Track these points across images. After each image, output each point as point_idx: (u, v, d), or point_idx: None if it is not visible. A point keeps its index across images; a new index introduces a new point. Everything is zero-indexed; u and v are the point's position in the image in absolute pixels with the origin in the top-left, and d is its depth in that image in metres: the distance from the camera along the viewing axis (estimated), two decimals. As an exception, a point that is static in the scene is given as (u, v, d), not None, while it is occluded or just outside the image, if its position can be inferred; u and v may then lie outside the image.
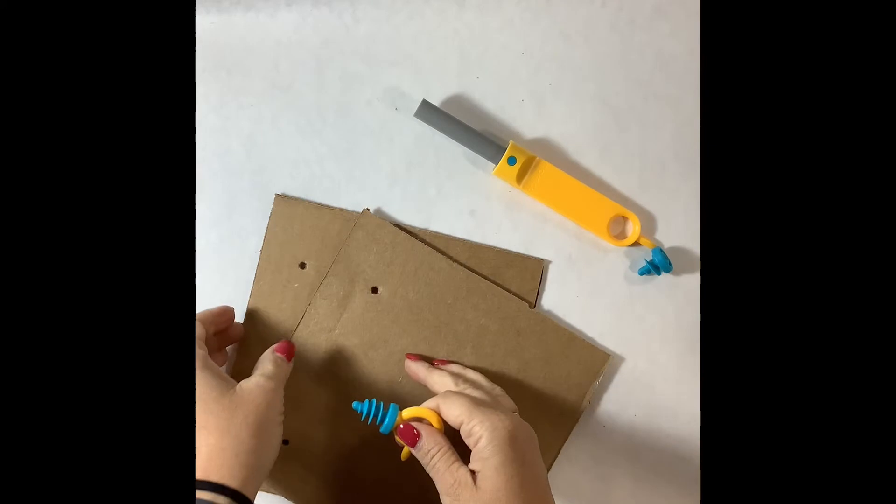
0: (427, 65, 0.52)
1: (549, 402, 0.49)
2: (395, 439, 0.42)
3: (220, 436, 0.38)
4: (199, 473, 0.36)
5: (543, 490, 0.39)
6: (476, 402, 0.40)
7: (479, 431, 0.38)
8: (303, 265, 0.50)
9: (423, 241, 0.49)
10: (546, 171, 0.50)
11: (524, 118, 0.52)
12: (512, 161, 0.49)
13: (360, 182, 0.51)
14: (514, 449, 0.38)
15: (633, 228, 0.51)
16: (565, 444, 0.50)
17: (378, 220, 0.49)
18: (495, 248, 0.51)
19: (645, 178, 0.52)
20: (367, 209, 0.49)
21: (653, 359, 0.51)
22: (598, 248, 0.51)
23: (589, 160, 0.52)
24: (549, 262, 0.51)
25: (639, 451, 0.51)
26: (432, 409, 0.41)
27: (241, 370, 0.49)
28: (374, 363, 0.49)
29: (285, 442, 0.49)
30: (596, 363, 0.50)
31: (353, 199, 0.51)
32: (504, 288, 0.50)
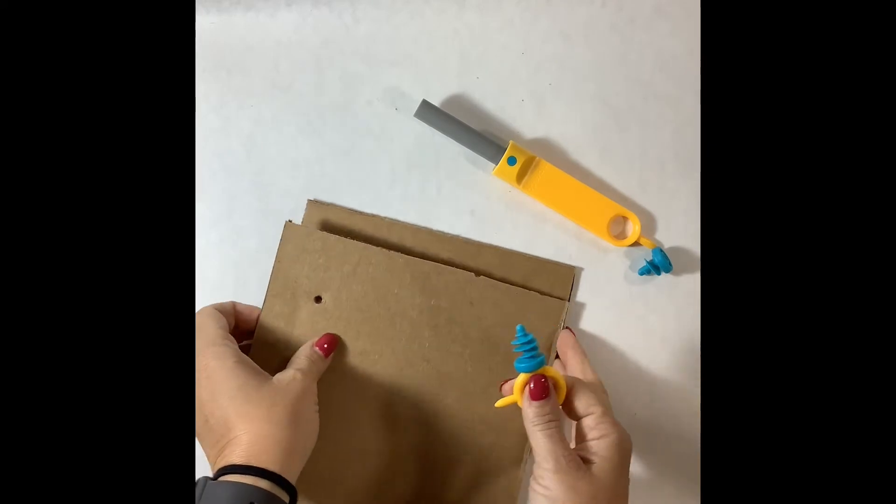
0: (427, 65, 0.52)
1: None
2: (499, 389, 0.46)
3: (261, 424, 0.39)
4: (242, 459, 0.38)
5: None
6: (609, 406, 0.42)
7: (610, 433, 0.39)
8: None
9: (363, 235, 0.49)
10: (546, 171, 0.50)
11: (524, 118, 0.52)
12: (512, 161, 0.49)
13: (360, 182, 0.51)
14: (627, 462, 0.40)
15: (633, 228, 0.51)
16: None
17: (303, 229, 0.48)
18: (525, 254, 0.50)
19: (645, 178, 0.51)
20: (289, 220, 0.47)
21: (653, 359, 0.51)
22: (598, 248, 0.51)
23: (589, 160, 0.52)
24: (582, 269, 0.51)
25: (639, 451, 0.51)
26: (567, 384, 0.41)
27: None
28: (340, 372, 0.48)
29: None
30: (557, 301, 0.49)
31: (353, 200, 0.51)
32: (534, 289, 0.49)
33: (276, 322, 0.48)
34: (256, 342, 0.48)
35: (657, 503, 0.52)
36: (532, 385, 0.40)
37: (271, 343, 0.48)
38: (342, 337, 0.48)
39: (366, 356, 0.48)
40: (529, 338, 0.40)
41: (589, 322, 0.51)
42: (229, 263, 0.51)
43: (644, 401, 0.51)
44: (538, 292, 0.49)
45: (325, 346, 0.46)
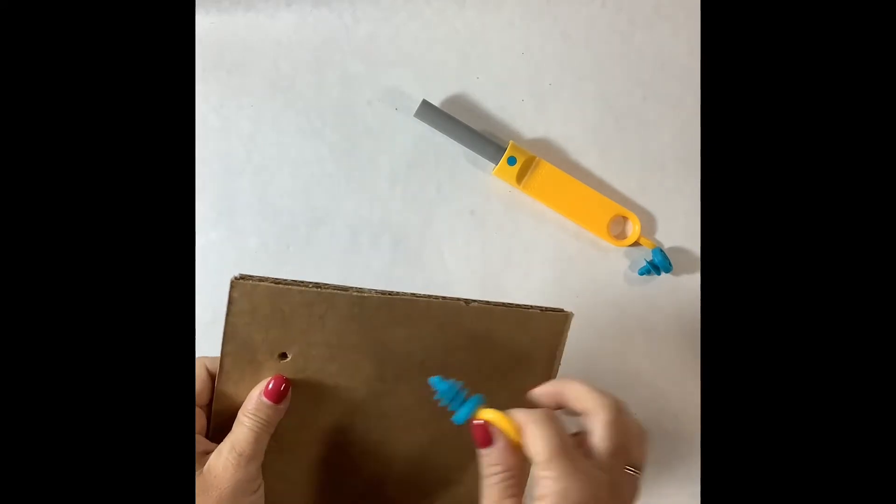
0: (427, 65, 0.52)
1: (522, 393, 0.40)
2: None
3: None
4: None
5: None
6: (563, 448, 0.31)
7: (548, 489, 0.31)
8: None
9: (309, 284, 0.37)
10: (546, 171, 0.50)
11: (524, 118, 0.52)
12: (512, 161, 0.49)
13: (360, 182, 0.51)
14: None
15: (633, 228, 0.51)
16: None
17: (249, 285, 0.37)
18: (509, 305, 0.39)
19: (645, 178, 0.52)
20: (235, 277, 0.36)
21: (653, 359, 0.51)
22: (598, 248, 0.51)
23: (589, 160, 0.52)
24: (573, 314, 0.41)
25: (639, 451, 0.51)
26: (516, 424, 0.34)
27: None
28: (322, 438, 0.41)
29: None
30: (556, 328, 0.41)
31: (353, 200, 0.51)
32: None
33: (235, 388, 0.38)
34: (216, 408, 0.39)
35: (657, 503, 0.52)
36: (473, 433, 0.34)
37: (232, 406, 0.39)
38: (321, 393, 0.39)
39: (349, 412, 0.40)
40: (448, 385, 0.35)
41: (589, 322, 0.51)
42: (229, 263, 0.51)
43: (644, 401, 0.51)
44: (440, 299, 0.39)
45: (276, 391, 0.37)
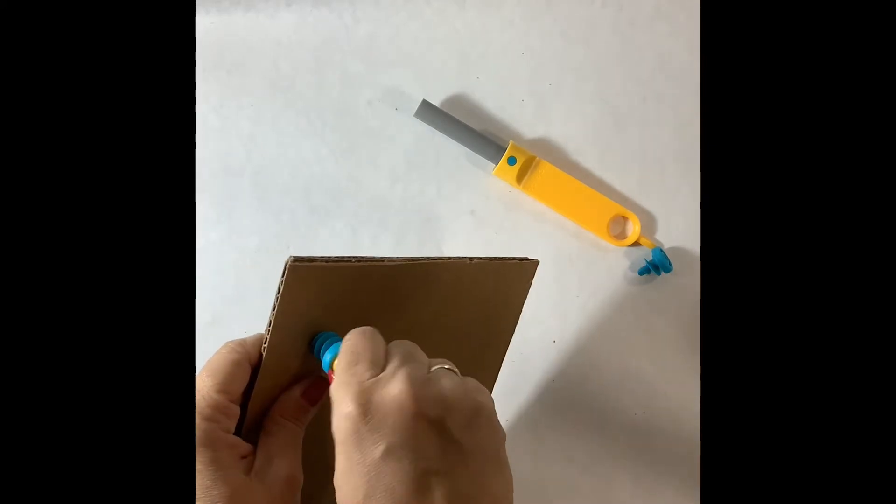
0: (427, 65, 0.52)
1: (489, 327, 0.44)
2: None
3: None
4: None
5: None
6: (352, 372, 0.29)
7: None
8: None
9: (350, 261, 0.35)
10: (546, 171, 0.50)
11: (524, 118, 0.52)
12: (512, 161, 0.49)
13: (360, 182, 0.51)
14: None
15: (633, 228, 0.51)
16: (567, 446, 0.50)
17: (305, 268, 0.33)
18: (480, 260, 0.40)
19: (645, 178, 0.52)
20: (290, 259, 0.32)
21: (653, 359, 0.51)
22: (598, 248, 0.51)
23: (589, 160, 0.52)
24: (539, 260, 0.44)
25: (639, 451, 0.51)
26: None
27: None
28: None
29: None
30: (529, 274, 0.44)
31: (353, 200, 0.51)
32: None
33: (273, 382, 0.35)
34: (255, 405, 0.34)
35: (657, 503, 0.52)
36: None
37: (267, 402, 0.35)
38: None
39: None
40: (322, 336, 0.34)
41: (589, 322, 0.51)
42: (229, 263, 0.51)
43: (644, 401, 0.51)
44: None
45: (316, 395, 0.34)
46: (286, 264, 0.32)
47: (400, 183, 0.51)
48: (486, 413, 0.29)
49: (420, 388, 0.28)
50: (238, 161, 0.52)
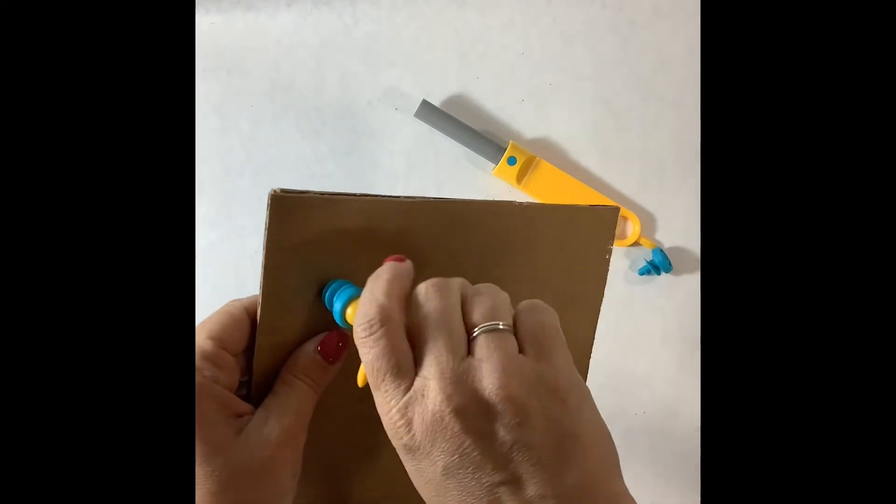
0: (427, 65, 0.52)
1: (572, 291, 0.39)
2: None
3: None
4: None
5: None
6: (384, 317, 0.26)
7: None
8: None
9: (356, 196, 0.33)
10: (546, 171, 0.50)
11: (524, 118, 0.52)
12: (512, 161, 0.49)
13: (360, 182, 0.51)
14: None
15: (633, 228, 0.51)
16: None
17: (294, 199, 0.30)
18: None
19: (645, 178, 0.51)
20: (274, 190, 0.29)
21: (653, 359, 0.51)
22: (598, 248, 0.52)
23: (589, 160, 0.52)
24: (619, 207, 0.40)
25: (639, 451, 0.51)
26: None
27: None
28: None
29: None
30: (605, 222, 0.38)
31: (353, 199, 0.51)
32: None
33: (276, 338, 0.32)
34: (259, 364, 0.32)
35: (657, 503, 0.52)
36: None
37: (277, 345, 0.32)
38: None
39: None
40: (335, 284, 0.30)
41: (589, 322, 0.51)
42: (229, 263, 0.51)
43: (644, 401, 0.51)
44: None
45: (333, 348, 0.31)
46: (270, 196, 0.28)
47: (400, 183, 0.51)
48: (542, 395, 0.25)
49: (459, 395, 0.24)
50: (238, 161, 0.52)
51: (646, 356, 0.51)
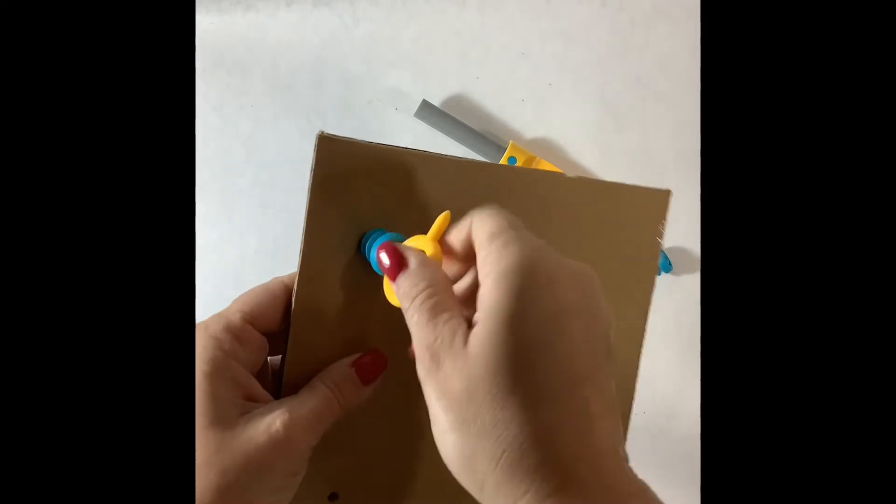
0: (427, 65, 0.52)
1: (623, 268, 0.38)
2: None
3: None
4: None
5: (588, 360, 0.23)
6: (513, 225, 0.24)
7: (491, 263, 0.23)
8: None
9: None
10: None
11: (524, 118, 0.52)
12: (512, 161, 0.49)
13: (360, 182, 0.51)
14: (529, 283, 0.23)
15: (633, 228, 0.51)
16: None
17: (345, 143, 0.29)
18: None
19: (645, 178, 0.51)
20: (321, 133, 0.28)
21: (653, 359, 0.51)
22: (598, 248, 0.52)
23: (589, 160, 0.52)
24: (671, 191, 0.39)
25: (639, 451, 0.51)
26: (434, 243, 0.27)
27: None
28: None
29: (333, 496, 0.32)
30: (657, 204, 0.38)
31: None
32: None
33: (320, 267, 0.29)
34: (293, 354, 0.30)
35: (657, 503, 0.52)
36: (382, 270, 0.27)
37: (320, 314, 0.30)
38: None
39: None
40: (372, 234, 0.29)
41: (589, 322, 0.51)
42: (229, 263, 0.51)
43: (644, 401, 0.51)
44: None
45: (368, 369, 0.30)
46: (318, 136, 0.27)
47: (400, 183, 0.51)
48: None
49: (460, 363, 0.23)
50: (238, 161, 0.52)
51: (646, 356, 0.51)
